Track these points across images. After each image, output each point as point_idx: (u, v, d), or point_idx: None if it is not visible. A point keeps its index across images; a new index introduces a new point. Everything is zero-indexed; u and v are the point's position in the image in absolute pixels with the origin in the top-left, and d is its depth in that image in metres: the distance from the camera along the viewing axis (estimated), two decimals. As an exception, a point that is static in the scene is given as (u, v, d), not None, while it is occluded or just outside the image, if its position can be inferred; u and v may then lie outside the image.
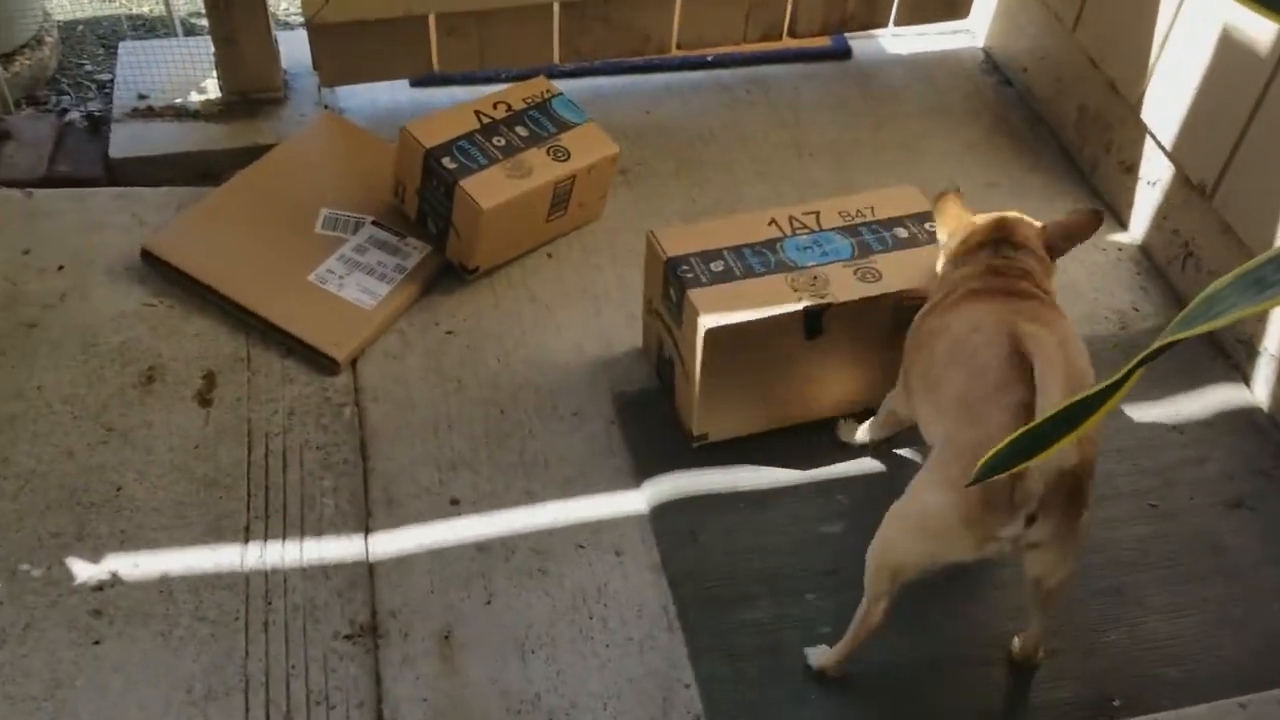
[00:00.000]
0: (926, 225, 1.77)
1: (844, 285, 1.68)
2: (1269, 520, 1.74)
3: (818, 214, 1.79)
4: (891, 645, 1.54)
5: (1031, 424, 1.05)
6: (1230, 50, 1.87)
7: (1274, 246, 0.91)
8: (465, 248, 1.96)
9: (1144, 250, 2.16)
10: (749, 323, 1.64)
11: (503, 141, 1.98)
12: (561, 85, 2.47)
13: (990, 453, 1.08)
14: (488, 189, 1.91)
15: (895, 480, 1.74)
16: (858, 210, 1.80)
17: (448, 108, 2.02)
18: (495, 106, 2.04)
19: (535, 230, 2.07)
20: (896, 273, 1.70)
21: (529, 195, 1.96)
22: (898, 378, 1.64)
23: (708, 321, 1.63)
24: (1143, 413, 1.88)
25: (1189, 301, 2.01)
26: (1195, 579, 1.66)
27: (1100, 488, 1.76)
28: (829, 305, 1.66)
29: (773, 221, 1.78)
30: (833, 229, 1.77)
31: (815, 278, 1.69)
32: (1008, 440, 1.06)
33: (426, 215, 2.00)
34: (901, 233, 1.77)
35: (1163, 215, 2.11)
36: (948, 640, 1.59)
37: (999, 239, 1.56)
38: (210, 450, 1.73)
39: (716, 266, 1.71)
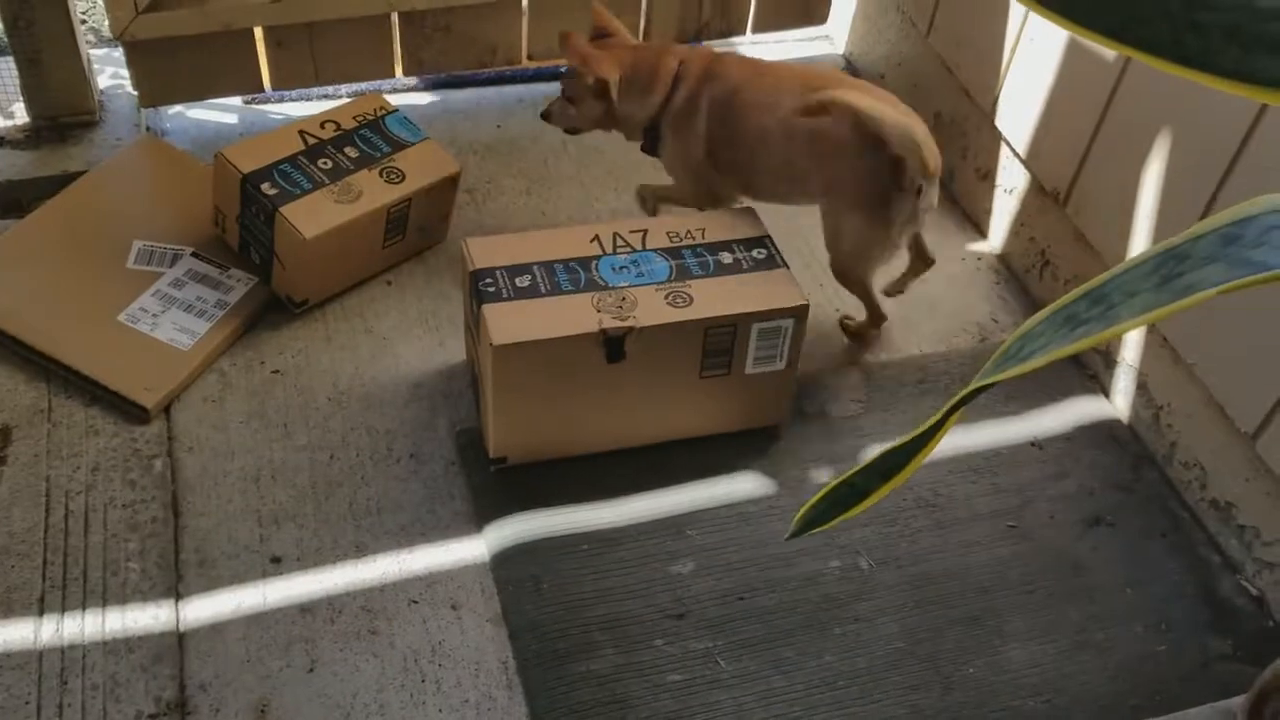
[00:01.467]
0: (754, 252, 1.70)
1: (650, 309, 1.60)
2: (1129, 537, 1.70)
3: (645, 232, 1.71)
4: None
5: (844, 475, 0.97)
6: (1078, 56, 1.83)
7: (1092, 279, 0.84)
8: (291, 279, 1.83)
9: (1003, 259, 2.12)
10: (542, 341, 1.56)
11: (329, 164, 1.85)
12: (408, 100, 2.37)
13: (806, 505, 1.00)
14: (311, 216, 1.78)
15: (746, 514, 1.67)
16: (688, 231, 1.72)
17: (271, 130, 1.88)
18: (323, 126, 1.91)
19: (370, 258, 1.95)
20: (709, 299, 1.63)
21: (359, 221, 1.83)
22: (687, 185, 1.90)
23: (498, 338, 1.54)
24: (1000, 429, 1.83)
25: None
26: (1055, 602, 1.61)
27: (956, 510, 1.71)
28: (630, 329, 1.58)
29: (595, 238, 1.69)
30: (655, 249, 1.69)
31: (624, 299, 1.61)
32: (824, 492, 0.99)
33: (249, 245, 1.86)
34: (725, 258, 1.69)
35: (1020, 223, 2.07)
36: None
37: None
38: (3, 514, 1.57)
39: (522, 281, 1.62)
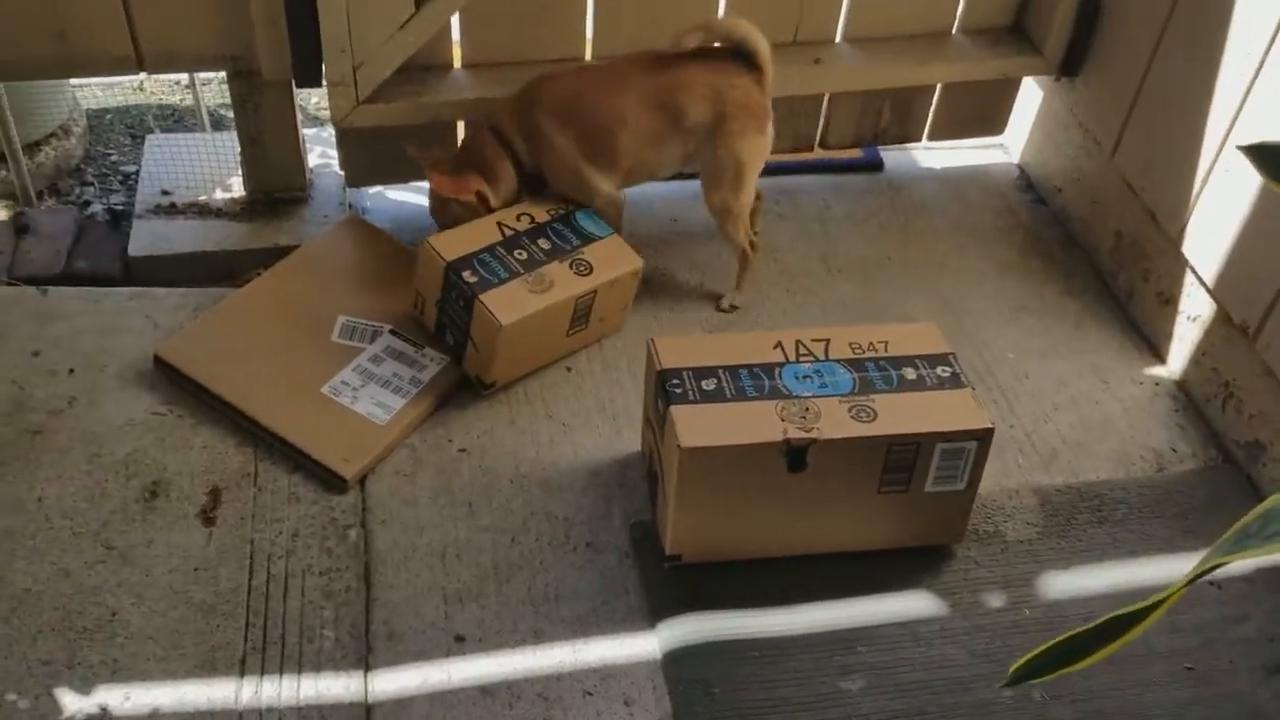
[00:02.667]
0: (939, 369, 1.72)
1: (834, 421, 1.63)
2: (1314, 689, 1.65)
3: (827, 342, 1.74)
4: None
5: (1071, 632, 0.99)
6: (1276, 193, 1.82)
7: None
8: (483, 362, 1.92)
9: (1182, 387, 2.09)
10: (727, 447, 1.60)
11: (524, 255, 1.94)
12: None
13: (1027, 657, 1.02)
14: (508, 304, 1.87)
15: (917, 634, 1.67)
16: (870, 343, 1.75)
17: (470, 223, 1.98)
18: (518, 218, 2.00)
19: (555, 345, 2.03)
20: (894, 415, 1.64)
21: (550, 310, 1.92)
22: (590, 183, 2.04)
23: (686, 440, 1.59)
24: (1181, 564, 1.79)
25: (1229, 445, 1.94)
26: (1235, 752, 1.58)
27: (1133, 646, 1.67)
28: (814, 440, 1.60)
29: (778, 345, 1.73)
30: (838, 360, 1.72)
31: (807, 410, 1.64)
32: (1046, 646, 1.01)
33: (445, 327, 1.95)
34: (909, 373, 1.71)
35: (1202, 352, 2.04)
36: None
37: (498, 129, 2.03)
38: (210, 573, 1.67)
39: (708, 384, 1.67)
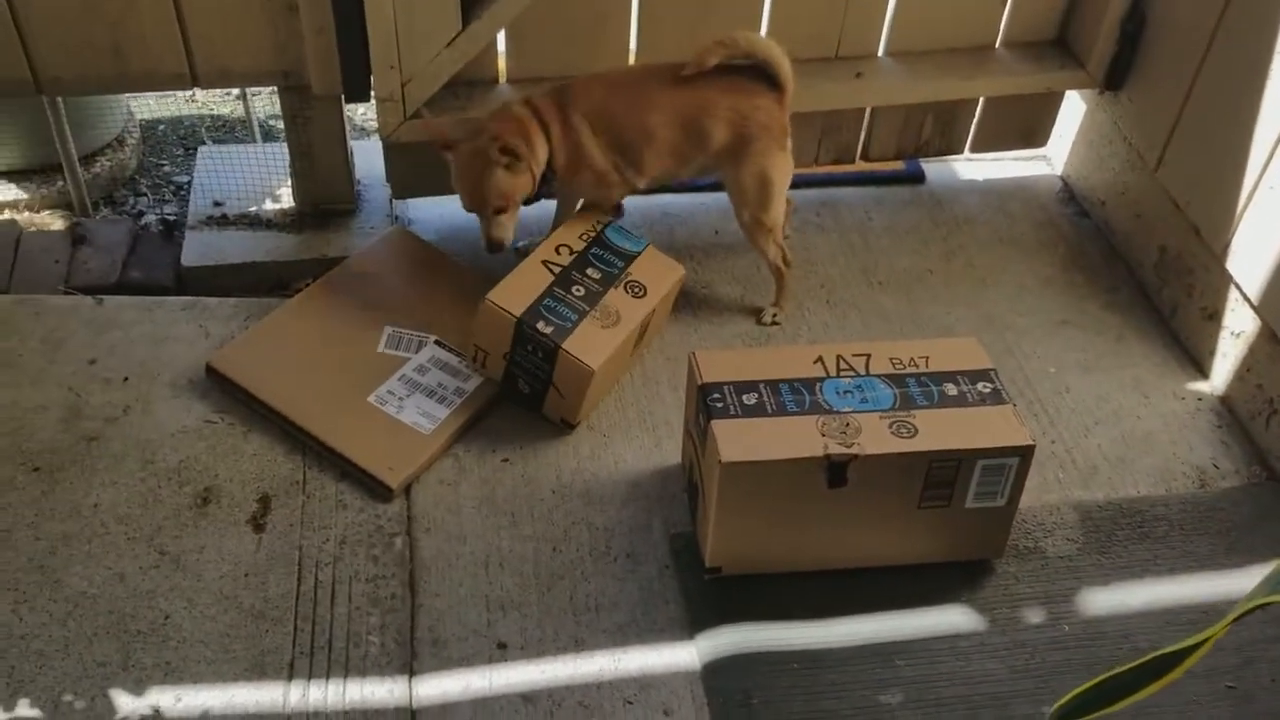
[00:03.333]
0: (980, 385, 1.73)
1: (875, 437, 1.64)
2: (1357, 710, 1.64)
3: (868, 357, 1.75)
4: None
5: (1116, 670, 1.00)
6: (1323, 209, 1.81)
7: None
8: (570, 405, 1.93)
9: (1225, 402, 2.08)
10: (768, 462, 1.61)
11: (581, 291, 1.95)
12: (631, 203, 2.49)
13: (1069, 696, 1.03)
14: (590, 347, 1.88)
15: (957, 649, 1.68)
16: (911, 359, 1.76)
17: (516, 269, 1.97)
18: (558, 251, 2.01)
19: (624, 367, 2.06)
20: (934, 431, 1.65)
21: (625, 341, 1.94)
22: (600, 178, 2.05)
23: (727, 455, 1.61)
24: (1221, 582, 1.79)
25: (1274, 462, 1.93)
26: (1277, 772, 1.57)
27: (1176, 666, 1.68)
28: (854, 456, 1.61)
29: (819, 360, 1.75)
30: (879, 375, 1.73)
31: (847, 425, 1.65)
32: (1091, 684, 1.01)
33: (517, 377, 1.95)
34: (950, 389, 1.72)
35: (1246, 368, 2.03)
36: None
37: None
38: (260, 579, 1.71)
39: (749, 399, 1.68)
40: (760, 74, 2.03)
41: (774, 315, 2.21)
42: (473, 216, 2.03)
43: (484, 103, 2.15)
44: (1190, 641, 0.92)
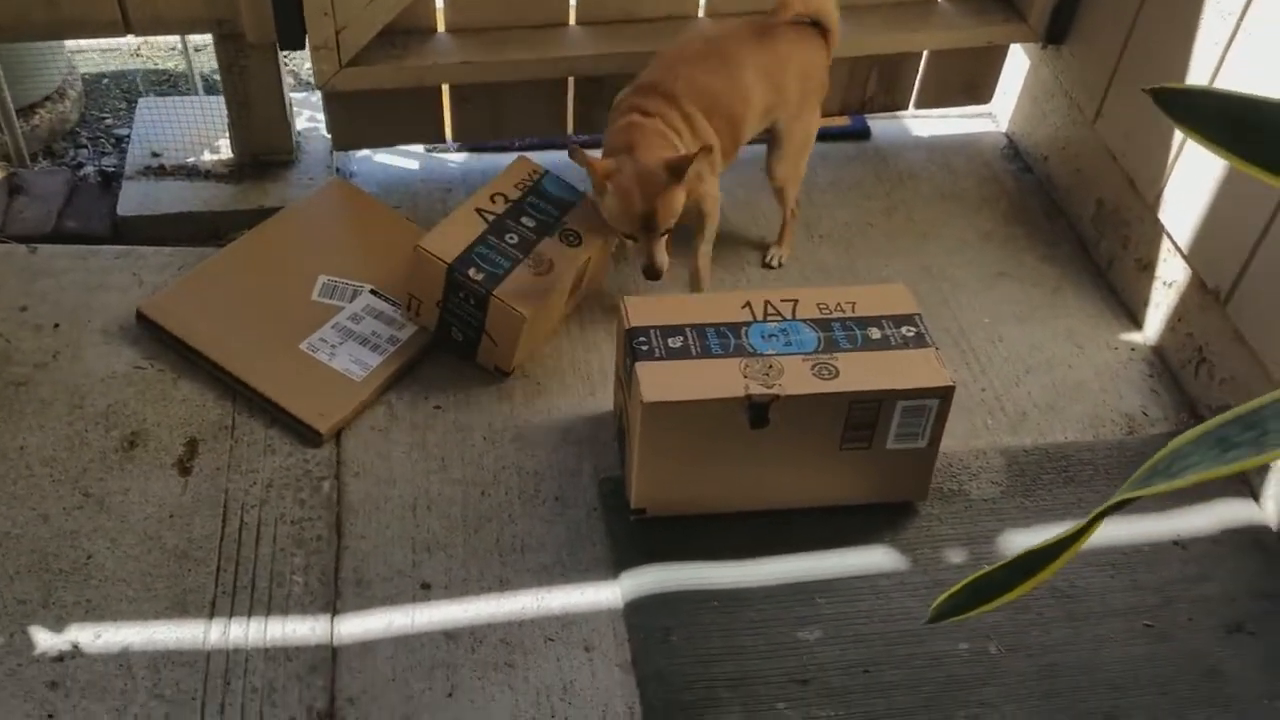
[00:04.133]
0: (904, 329, 1.74)
1: (796, 378, 1.65)
2: (1270, 647, 1.66)
3: (795, 302, 1.76)
4: (861, 765, 1.48)
5: (988, 569, 1.01)
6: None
7: (1247, 403, 0.87)
8: (503, 353, 1.93)
9: (1157, 352, 2.10)
10: (689, 403, 1.62)
11: (515, 238, 1.95)
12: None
13: (947, 594, 1.04)
14: (522, 294, 1.88)
15: (877, 587, 1.69)
16: (838, 304, 1.77)
17: (449, 215, 1.97)
18: (493, 200, 2.00)
19: (558, 317, 2.05)
20: (855, 373, 1.66)
21: (559, 289, 1.94)
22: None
23: (649, 395, 1.61)
24: (1144, 525, 1.81)
25: (1202, 410, 1.95)
26: (1189, 707, 1.59)
27: (1092, 603, 1.70)
28: (775, 397, 1.62)
29: (747, 304, 1.75)
30: (805, 319, 1.74)
31: (770, 367, 1.66)
32: (966, 582, 1.02)
33: (450, 325, 1.95)
34: (874, 333, 1.73)
35: (1178, 318, 2.05)
36: None
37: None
38: (185, 521, 1.71)
39: (675, 342, 1.69)
40: (810, 27, 2.04)
41: (780, 257, 2.24)
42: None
43: (421, 53, 2.14)
44: (1059, 537, 0.93)
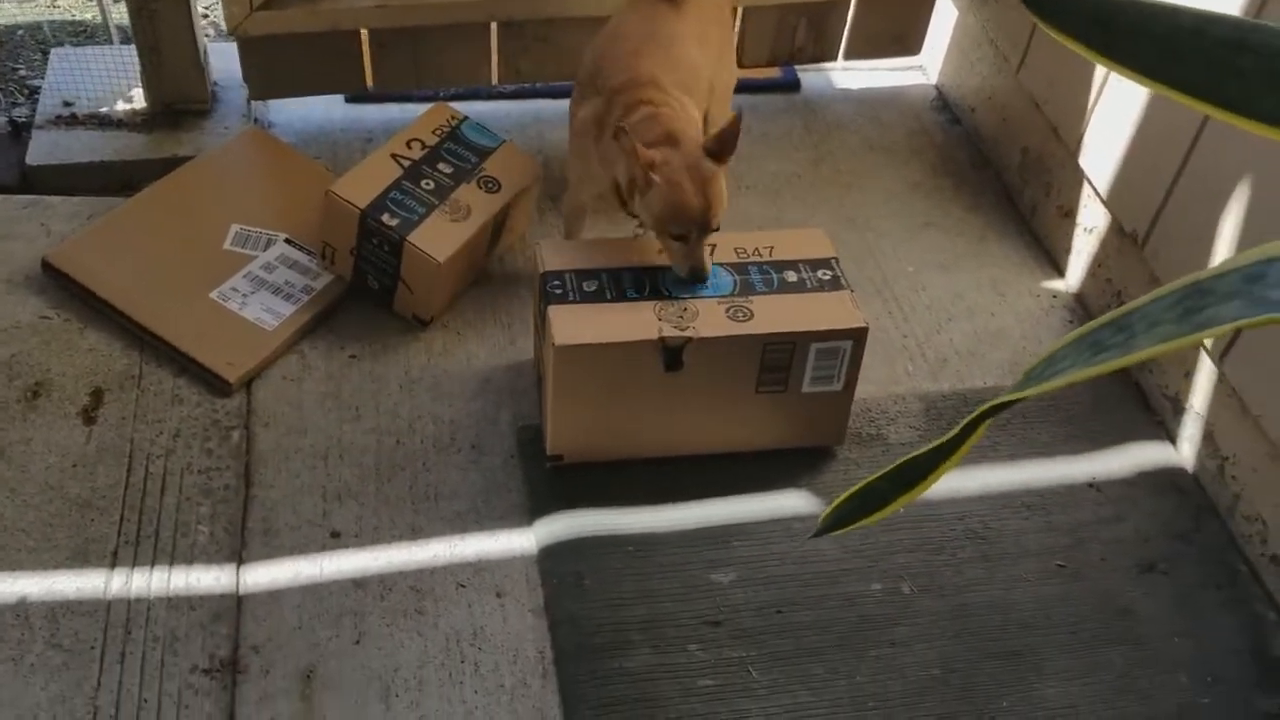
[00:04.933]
0: (820, 272, 1.72)
1: (710, 321, 1.63)
2: (1182, 587, 1.67)
3: (713, 247, 1.74)
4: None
5: (871, 478, 1.00)
6: (1163, 100, 1.81)
7: (1115, 310, 0.86)
8: (419, 301, 1.90)
9: (1079, 299, 2.11)
10: (601, 345, 1.60)
11: (431, 184, 1.91)
12: (500, 106, 2.45)
13: (833, 505, 1.03)
14: (436, 239, 1.84)
15: (791, 530, 1.69)
16: (755, 248, 1.75)
17: (364, 161, 1.93)
18: (409, 145, 1.96)
19: (478, 264, 2.02)
20: (769, 315, 1.65)
21: (475, 235, 1.90)
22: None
23: (560, 339, 1.60)
24: (1059, 467, 1.81)
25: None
26: (1100, 645, 1.60)
27: (1005, 544, 1.71)
28: (689, 339, 1.61)
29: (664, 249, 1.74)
30: (722, 263, 1.72)
31: (685, 310, 1.64)
32: (850, 493, 1.01)
33: (366, 273, 1.91)
34: (790, 276, 1.72)
35: (1098, 263, 2.05)
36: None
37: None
38: (88, 470, 1.67)
39: (589, 286, 1.67)
40: None
41: None
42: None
43: (336, -3, 2.10)
44: (937, 443, 0.92)
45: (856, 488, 0.99)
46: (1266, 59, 0.80)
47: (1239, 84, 0.80)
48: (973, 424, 0.90)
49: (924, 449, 0.94)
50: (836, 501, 1.01)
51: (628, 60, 1.80)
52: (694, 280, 1.69)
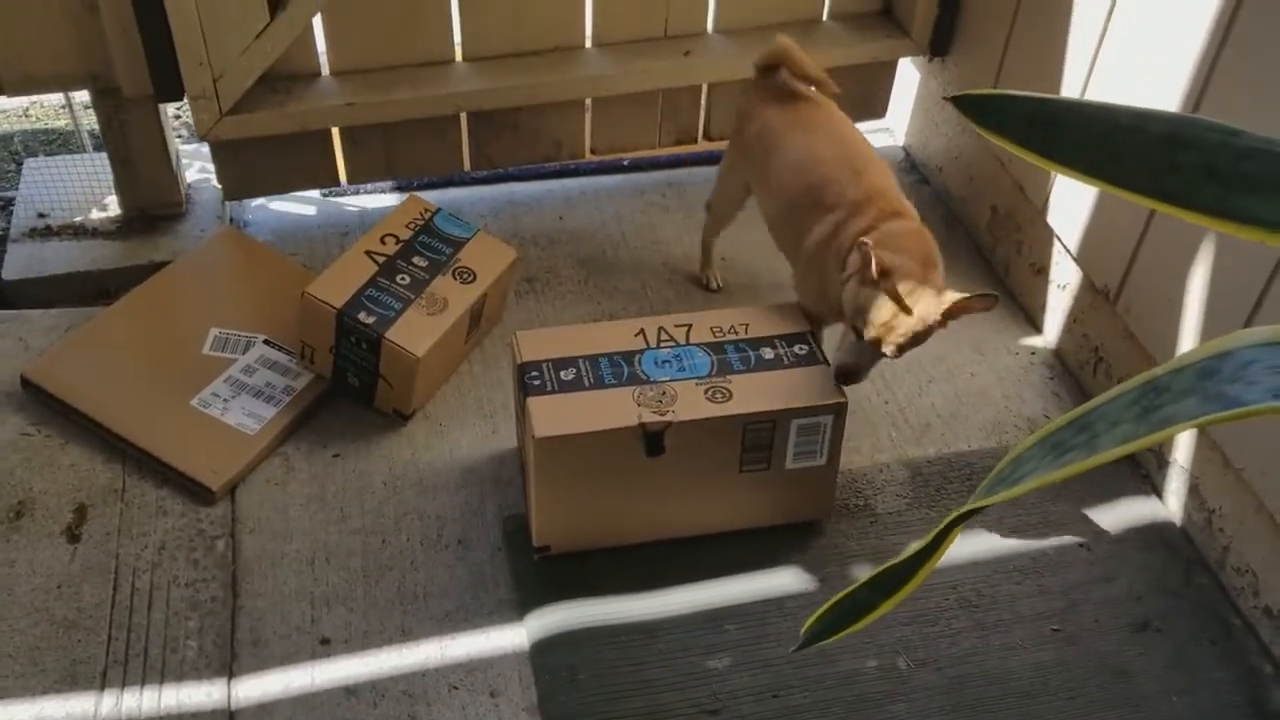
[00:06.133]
0: (796, 348, 1.73)
1: (690, 404, 1.64)
2: (1177, 643, 1.66)
3: (689, 327, 1.75)
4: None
5: (847, 590, 1.00)
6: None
7: (1087, 399, 0.87)
8: (400, 396, 1.90)
9: (1058, 355, 2.12)
10: (581, 435, 1.60)
11: (406, 279, 1.92)
12: (475, 192, 2.48)
13: (812, 619, 1.03)
14: (413, 334, 1.85)
15: (784, 609, 1.68)
16: (731, 326, 1.76)
17: (338, 259, 1.94)
18: (383, 241, 1.97)
19: (457, 355, 2.03)
20: (749, 394, 1.66)
21: (452, 328, 1.91)
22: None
23: (540, 430, 1.59)
24: (1050, 528, 1.81)
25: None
26: (1098, 709, 1.59)
27: (1000, 611, 1.70)
28: (669, 424, 1.61)
29: (640, 332, 1.74)
30: (698, 344, 1.73)
31: (664, 394, 1.65)
32: (828, 605, 1.01)
33: (345, 371, 1.92)
34: (767, 353, 1.72)
35: (1073, 319, 2.07)
36: (835, 783, 1.51)
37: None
38: (74, 590, 1.66)
39: (567, 375, 1.67)
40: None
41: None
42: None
43: (304, 97, 2.12)
44: (910, 552, 0.92)
45: (837, 598, 0.99)
46: (1204, 153, 0.81)
47: (1178, 178, 0.82)
48: (945, 529, 0.90)
49: (899, 558, 0.94)
50: (818, 613, 1.00)
51: (830, 174, 1.79)
52: (838, 378, 1.67)
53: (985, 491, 0.90)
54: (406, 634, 1.65)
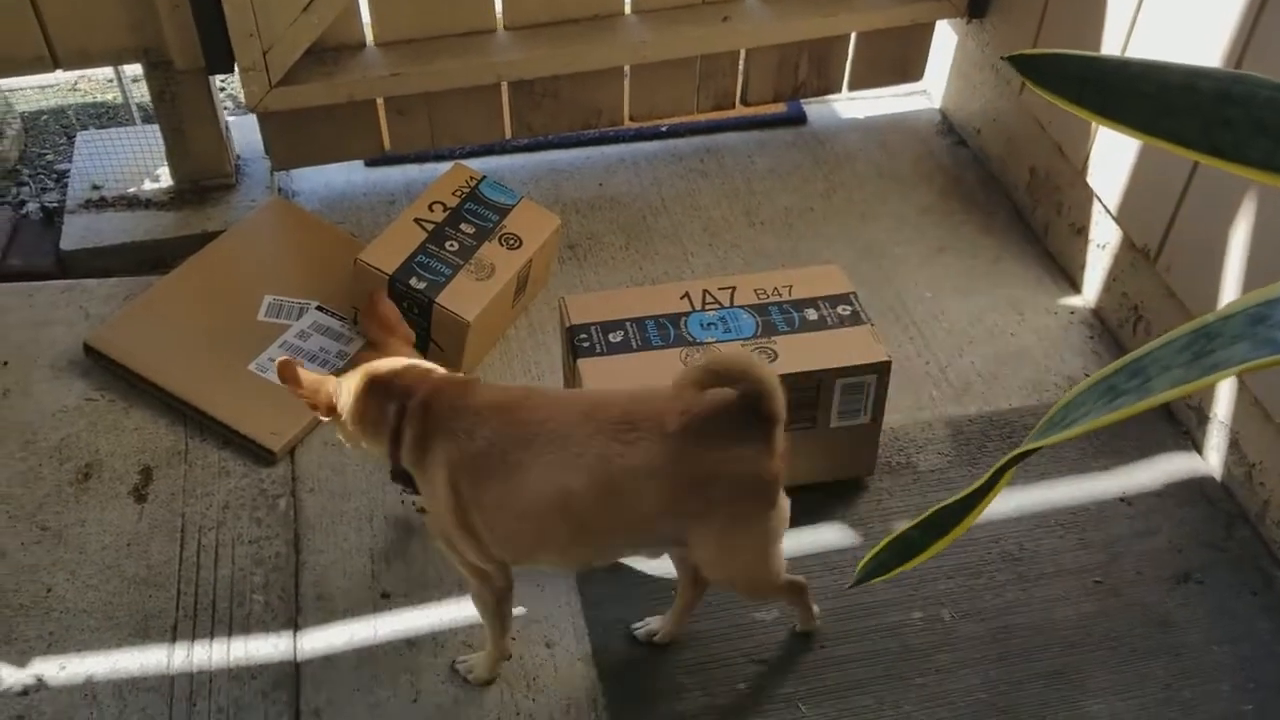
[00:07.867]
0: (839, 308, 1.76)
1: None
2: (1218, 595, 1.69)
3: (733, 290, 1.78)
4: (821, 738, 1.51)
5: (903, 529, 1.03)
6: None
7: (1130, 352, 0.90)
8: (451, 359, 1.95)
9: (1097, 314, 2.14)
10: None
11: (455, 245, 1.97)
12: (516, 160, 2.51)
13: (868, 556, 1.06)
14: (464, 299, 1.90)
15: (829, 564, 1.72)
16: (774, 288, 1.79)
17: (388, 227, 2.00)
18: (431, 209, 2.02)
19: (505, 320, 2.08)
20: (794, 355, 1.69)
21: (501, 292, 1.96)
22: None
23: None
24: (1090, 484, 1.84)
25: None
26: (1141, 658, 1.62)
27: (1042, 564, 1.74)
28: None
29: (685, 295, 1.78)
30: (743, 306, 1.76)
31: None
32: (884, 543, 1.05)
33: None
34: (811, 314, 1.75)
35: (1113, 278, 2.08)
36: (882, 730, 1.56)
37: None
38: (143, 547, 1.72)
39: (615, 337, 1.71)
40: None
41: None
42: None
43: (350, 68, 2.16)
44: (967, 492, 0.96)
45: (890, 538, 1.03)
46: (1253, 109, 0.84)
47: (1228, 133, 0.84)
48: (999, 472, 0.93)
49: (953, 498, 0.98)
50: (872, 551, 1.04)
51: None
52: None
53: (1039, 434, 0.93)
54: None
